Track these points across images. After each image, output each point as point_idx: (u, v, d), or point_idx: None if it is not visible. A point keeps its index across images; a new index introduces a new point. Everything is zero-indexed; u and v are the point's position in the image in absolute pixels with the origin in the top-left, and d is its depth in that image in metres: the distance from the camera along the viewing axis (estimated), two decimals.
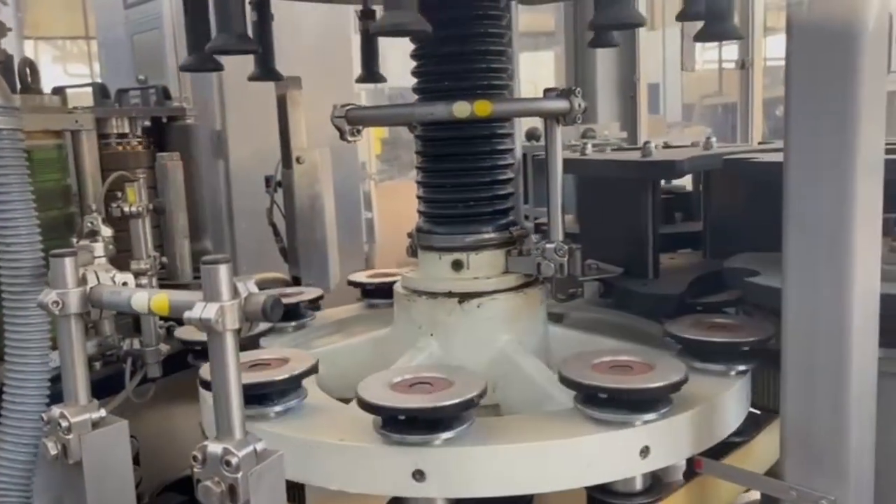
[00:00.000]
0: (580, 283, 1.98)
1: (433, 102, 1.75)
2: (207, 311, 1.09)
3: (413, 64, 1.92)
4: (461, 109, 1.68)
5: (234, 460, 1.09)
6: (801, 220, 1.37)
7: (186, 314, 1.10)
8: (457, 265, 1.90)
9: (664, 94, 12.57)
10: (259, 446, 1.14)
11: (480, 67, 1.83)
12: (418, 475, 1.37)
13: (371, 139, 8.24)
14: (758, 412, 1.81)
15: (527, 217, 3.79)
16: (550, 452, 1.40)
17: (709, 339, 1.65)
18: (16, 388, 1.71)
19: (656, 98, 12.13)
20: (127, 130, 2.59)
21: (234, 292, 1.12)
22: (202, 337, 1.75)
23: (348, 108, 1.79)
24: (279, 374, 1.52)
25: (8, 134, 1.69)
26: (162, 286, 2.35)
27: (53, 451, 1.29)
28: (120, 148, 2.56)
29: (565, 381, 1.46)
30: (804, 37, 1.33)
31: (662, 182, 2.24)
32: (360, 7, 2.31)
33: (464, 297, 1.85)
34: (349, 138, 1.82)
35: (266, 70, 2.14)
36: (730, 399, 1.58)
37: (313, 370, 1.58)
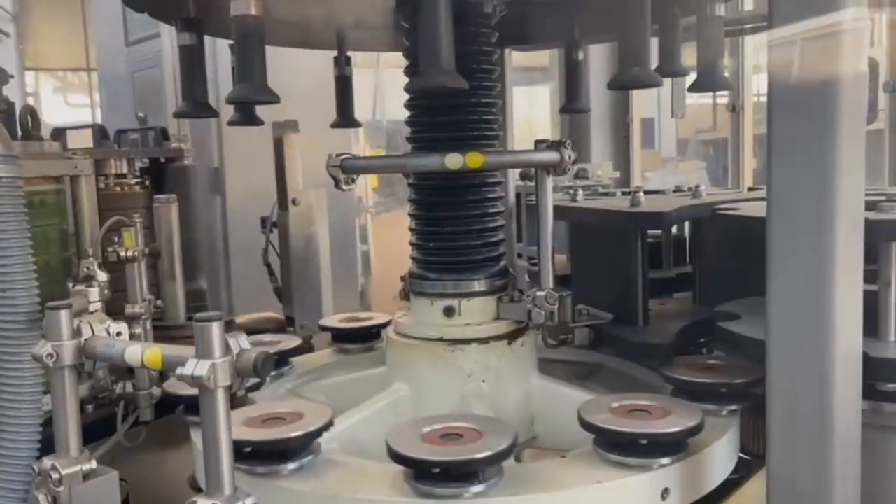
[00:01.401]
0: (571, 329, 2.00)
1: (426, 154, 1.79)
2: (199, 368, 1.11)
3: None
4: (453, 161, 1.72)
5: None
6: (783, 274, 1.39)
7: (178, 370, 1.12)
8: (448, 311, 1.92)
9: (659, 128, 12.71)
10: (248, 501, 1.15)
11: (472, 119, 1.87)
12: None
13: None
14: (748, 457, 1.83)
15: (520, 255, 3.83)
16: (580, 500, 1.41)
17: (700, 380, 1.67)
18: (7, 435, 1.71)
19: (651, 132, 12.27)
20: (125, 171, 2.63)
21: (226, 349, 1.14)
22: (190, 391, 1.76)
23: (343, 157, 1.83)
24: (295, 431, 1.48)
25: (7, 182, 1.72)
26: (156, 329, 2.37)
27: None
28: (118, 189, 2.61)
29: (586, 426, 1.48)
30: (783, 94, 1.37)
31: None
32: (335, 54, 2.37)
33: (455, 343, 1.87)
34: (344, 187, 1.85)
35: (345, 118, 2.19)
36: (729, 439, 1.62)
37: (329, 426, 1.53)
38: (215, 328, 1.12)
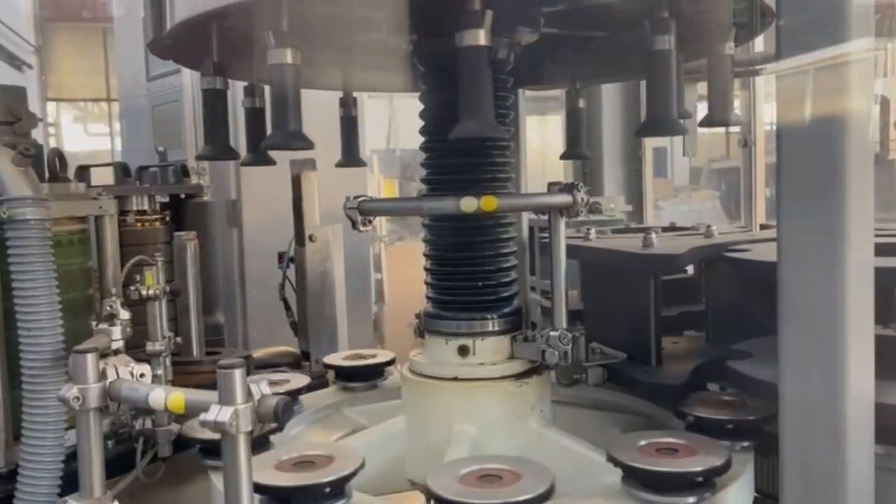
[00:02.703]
0: (584, 369, 2.02)
1: (442, 197, 1.83)
2: (222, 414, 1.14)
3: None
4: (468, 204, 1.76)
5: None
6: (795, 319, 1.41)
7: (202, 416, 1.15)
8: (463, 350, 1.95)
9: (671, 157, 12.75)
10: None
11: (486, 162, 1.91)
12: None
13: None
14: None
15: (533, 289, 3.85)
16: None
17: (716, 416, 1.68)
18: (30, 472, 1.75)
19: (663, 161, 12.30)
20: (146, 207, 2.69)
21: (248, 395, 1.17)
22: (208, 435, 1.78)
23: (361, 199, 1.88)
24: (326, 476, 1.48)
25: (36, 224, 1.78)
26: (175, 364, 2.40)
27: None
28: (139, 224, 2.66)
29: (615, 462, 1.50)
30: (793, 142, 1.40)
31: None
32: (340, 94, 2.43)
33: (470, 382, 1.89)
34: (361, 228, 1.89)
35: (352, 157, 2.27)
36: (748, 474, 1.63)
37: (360, 469, 1.52)
38: (238, 375, 1.16)
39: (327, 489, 1.44)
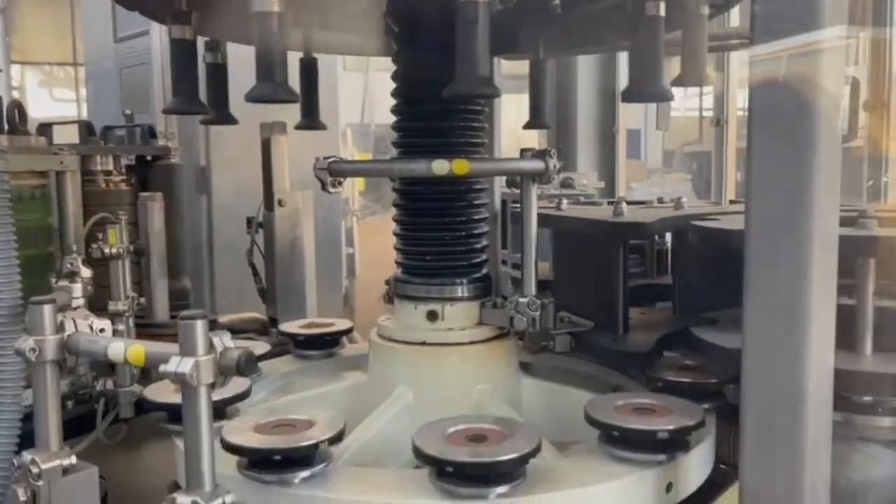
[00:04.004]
0: (552, 336, 2.02)
1: (414, 159, 1.81)
2: (183, 365, 1.11)
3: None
4: (440, 167, 1.74)
5: None
6: (760, 292, 1.42)
7: (162, 367, 1.13)
8: (432, 315, 1.94)
9: (645, 139, 12.82)
10: (228, 499, 1.15)
11: (459, 126, 1.90)
12: None
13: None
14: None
15: (504, 262, 3.85)
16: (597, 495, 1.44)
17: (679, 379, 1.70)
18: None
19: (637, 143, 12.37)
20: (111, 168, 2.63)
21: (210, 347, 1.15)
22: (171, 399, 1.75)
23: (331, 160, 1.85)
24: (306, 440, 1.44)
25: None
26: (139, 326, 2.36)
27: (23, 498, 1.30)
28: (103, 185, 2.60)
29: (593, 422, 1.51)
30: (763, 114, 1.40)
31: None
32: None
33: (438, 347, 1.89)
34: (330, 189, 1.86)
35: (312, 120, 2.25)
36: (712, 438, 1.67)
37: (342, 434, 1.50)
38: (199, 326, 1.13)
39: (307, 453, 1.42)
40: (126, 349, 1.24)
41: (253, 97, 1.64)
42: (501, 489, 1.37)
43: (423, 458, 1.39)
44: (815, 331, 1.38)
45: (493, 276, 2.08)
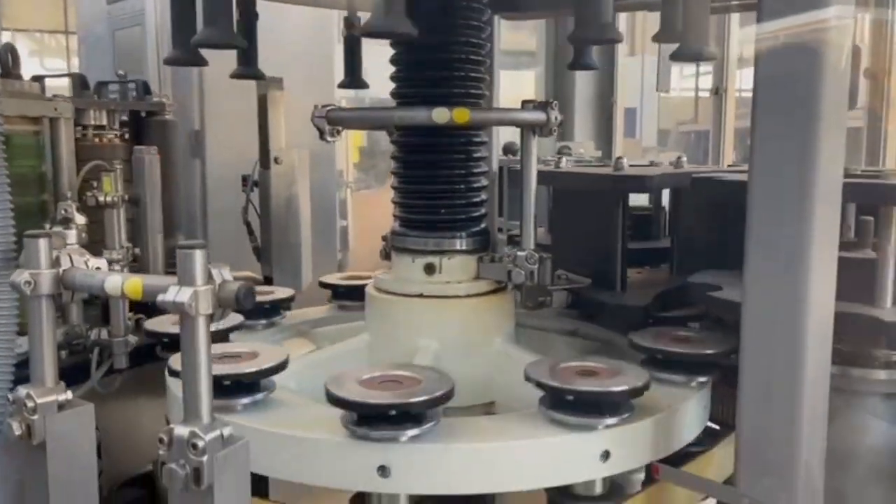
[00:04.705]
0: (549, 291, 2.02)
1: (413, 108, 1.79)
2: (181, 294, 1.10)
3: (393, 69, 1.95)
4: (440, 115, 1.72)
5: (200, 443, 1.10)
6: (762, 239, 1.42)
7: (160, 297, 1.12)
8: (429, 269, 1.93)
9: (641, 118, 12.78)
10: (226, 431, 1.15)
11: (459, 76, 1.87)
12: (382, 471, 1.38)
13: (349, 147, 8.26)
14: (717, 427, 1.86)
15: (500, 230, 3.84)
16: (513, 453, 1.43)
17: (671, 349, 1.69)
18: None
19: (633, 122, 12.34)
20: (105, 123, 2.58)
21: (209, 278, 1.13)
22: (171, 329, 1.76)
23: (329, 108, 1.82)
24: (250, 367, 1.53)
25: None
26: None
27: (18, 431, 1.29)
28: (97, 140, 2.56)
29: (532, 382, 1.49)
30: (770, 66, 1.39)
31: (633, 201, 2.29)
32: (345, 14, 2.35)
33: (435, 299, 1.88)
34: (328, 138, 1.84)
35: (249, 68, 2.16)
36: (690, 408, 1.63)
37: (283, 366, 1.57)
38: (198, 255, 1.12)
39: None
40: (123, 283, 1.22)
41: (199, 42, 1.61)
42: (413, 432, 1.38)
43: (332, 400, 1.40)
44: (816, 275, 1.38)
45: (491, 241, 2.06)
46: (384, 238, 2.27)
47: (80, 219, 1.83)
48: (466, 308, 1.90)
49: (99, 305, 2.21)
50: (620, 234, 1.99)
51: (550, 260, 1.92)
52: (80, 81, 2.69)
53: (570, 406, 1.45)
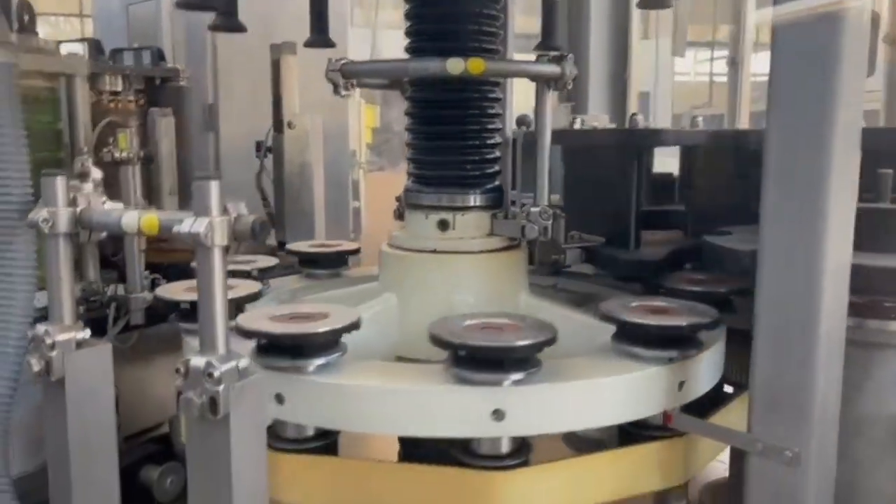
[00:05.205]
0: (563, 249, 2.02)
1: (428, 58, 1.78)
2: (197, 225, 1.11)
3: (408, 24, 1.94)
4: (455, 66, 1.71)
5: (216, 373, 1.11)
6: (779, 183, 1.40)
7: (176, 228, 1.12)
8: (443, 225, 1.93)
9: (654, 102, 12.68)
10: (242, 363, 1.16)
11: (473, 29, 1.86)
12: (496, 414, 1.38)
13: (362, 127, 8.27)
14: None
15: (513, 202, 3.83)
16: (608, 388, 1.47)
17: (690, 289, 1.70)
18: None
19: (646, 106, 12.25)
20: (120, 89, 2.60)
21: (224, 211, 1.14)
22: (185, 297, 1.75)
23: (343, 61, 1.82)
24: (326, 326, 1.46)
25: (2, 68, 1.70)
26: (149, 241, 2.36)
27: (36, 368, 1.30)
28: (112, 105, 2.57)
29: (609, 320, 1.53)
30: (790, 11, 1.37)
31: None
32: None
33: (448, 255, 1.88)
34: (343, 92, 1.84)
35: (231, 21, 2.14)
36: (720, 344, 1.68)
37: (357, 325, 1.50)
38: (213, 187, 1.12)
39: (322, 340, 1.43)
40: (140, 218, 1.23)
41: (183, 3, 1.60)
42: (517, 376, 1.38)
43: (437, 342, 1.40)
44: (833, 224, 1.37)
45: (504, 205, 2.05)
46: (398, 198, 2.27)
47: (97, 173, 1.83)
48: (479, 264, 1.89)
49: (115, 268, 2.23)
50: (635, 192, 1.98)
51: (564, 218, 1.91)
52: (95, 47, 2.70)
53: (646, 341, 1.50)
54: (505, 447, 1.47)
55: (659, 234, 2.28)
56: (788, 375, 1.39)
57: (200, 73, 4.23)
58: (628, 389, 1.48)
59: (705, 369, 1.62)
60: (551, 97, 1.88)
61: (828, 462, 1.41)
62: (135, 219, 1.23)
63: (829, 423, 1.40)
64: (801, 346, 1.38)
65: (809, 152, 1.36)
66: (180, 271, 2.06)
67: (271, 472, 1.36)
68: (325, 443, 1.50)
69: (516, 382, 1.39)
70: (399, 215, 2.23)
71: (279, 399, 1.39)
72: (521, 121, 4.22)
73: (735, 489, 2.22)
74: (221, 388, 1.11)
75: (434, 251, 1.90)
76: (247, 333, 1.40)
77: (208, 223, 1.11)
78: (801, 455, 1.36)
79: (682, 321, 1.54)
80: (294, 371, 1.41)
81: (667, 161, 2.61)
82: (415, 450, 1.51)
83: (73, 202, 1.32)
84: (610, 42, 5.23)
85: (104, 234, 1.46)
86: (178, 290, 1.83)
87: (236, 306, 1.65)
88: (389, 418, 1.40)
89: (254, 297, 1.74)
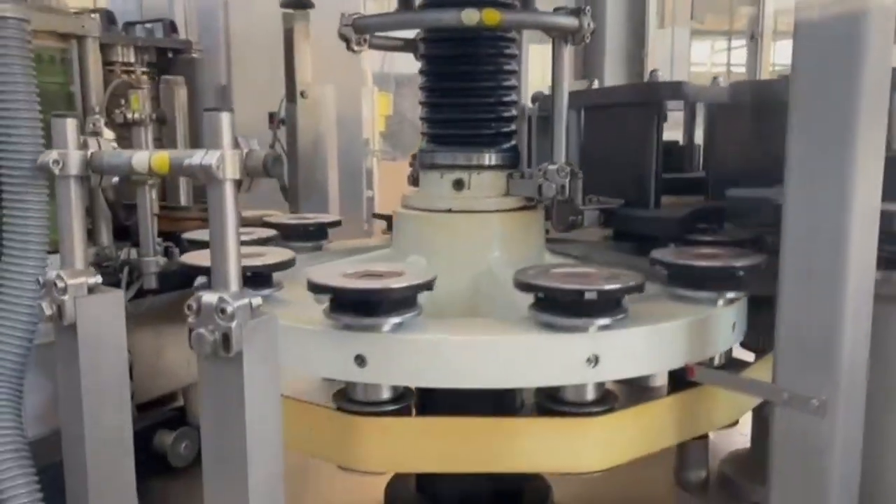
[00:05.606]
0: (580, 210, 1.98)
1: (442, 9, 1.74)
2: (209, 157, 1.09)
3: None
4: (470, 17, 1.68)
5: (228, 308, 1.09)
6: (806, 129, 1.36)
7: (187, 161, 1.10)
8: (458, 184, 1.90)
9: None
10: (255, 301, 1.13)
11: None
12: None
13: (375, 115, 8.25)
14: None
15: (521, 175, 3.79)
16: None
17: (695, 264, 1.63)
18: (12, 283, 1.69)
19: None
20: (132, 60, 2.59)
21: (236, 144, 1.12)
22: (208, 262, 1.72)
23: (355, 16, 1.80)
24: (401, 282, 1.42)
25: (14, 24, 1.68)
26: (162, 208, 2.35)
27: (48, 312, 1.29)
28: (125, 77, 2.56)
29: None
30: None
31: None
32: None
33: (463, 214, 1.85)
34: (355, 48, 1.82)
35: None
36: (718, 319, 1.57)
37: (433, 282, 1.44)
38: (225, 118, 1.10)
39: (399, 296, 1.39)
40: (150, 157, 1.21)
41: None
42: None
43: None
44: (861, 173, 1.32)
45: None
46: (411, 164, 2.25)
47: (109, 133, 1.82)
48: (495, 224, 1.86)
49: (128, 236, 2.22)
50: (655, 150, 1.93)
51: (581, 179, 1.88)
52: (106, 17, 2.69)
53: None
54: (591, 394, 1.47)
55: (678, 199, 2.24)
56: (815, 322, 1.35)
57: (214, 53, 4.22)
58: (701, 330, 1.50)
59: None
60: (569, 52, 1.84)
61: (856, 411, 1.36)
62: (145, 158, 1.21)
63: (858, 371, 1.35)
64: (829, 291, 1.34)
65: (837, 96, 1.32)
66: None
67: (344, 438, 1.39)
68: (404, 405, 1.47)
69: (605, 327, 1.39)
70: (413, 181, 2.21)
71: (360, 361, 1.36)
72: (536, 98, 4.17)
73: (757, 458, 2.19)
74: (234, 324, 1.09)
75: (449, 210, 1.87)
76: (325, 289, 1.36)
77: (220, 155, 1.09)
78: (829, 403, 1.32)
79: (737, 262, 1.54)
80: (374, 330, 1.37)
81: (668, 134, 2.56)
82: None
83: (84, 145, 1.30)
84: (626, 31, 5.17)
85: (115, 180, 1.44)
86: (203, 258, 1.80)
87: (271, 272, 1.62)
88: (489, 371, 1.39)
89: (289, 264, 1.69)
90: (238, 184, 1.12)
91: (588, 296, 1.36)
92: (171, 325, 2.27)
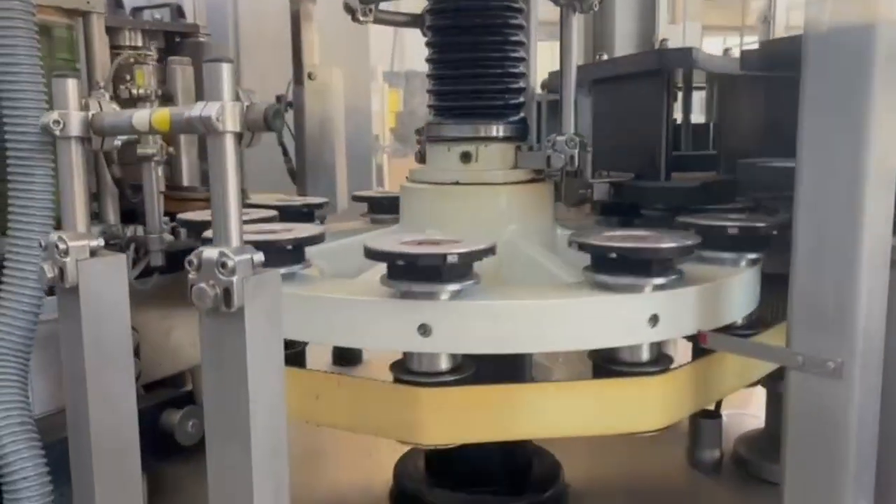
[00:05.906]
0: (590, 184, 1.96)
1: None
2: (208, 109, 1.07)
3: None
4: None
5: (230, 263, 1.07)
6: (819, 91, 1.33)
7: (187, 114, 1.08)
8: (465, 157, 1.88)
9: None
10: (257, 257, 1.11)
11: None
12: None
13: (385, 111, 8.27)
14: None
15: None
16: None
17: (719, 224, 1.61)
18: (18, 256, 1.69)
19: None
20: (140, 44, 2.58)
21: (237, 97, 1.10)
22: (208, 216, 1.70)
23: None
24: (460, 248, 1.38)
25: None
26: (168, 188, 2.34)
27: (50, 274, 1.28)
28: (131, 61, 2.55)
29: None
30: None
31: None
32: None
33: (471, 186, 1.83)
34: (361, 18, 1.80)
35: None
36: (738, 282, 1.56)
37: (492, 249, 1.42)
38: (225, 69, 1.08)
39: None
40: (151, 115, 1.20)
41: None
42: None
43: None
44: (876, 132, 1.29)
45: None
46: (418, 140, 2.22)
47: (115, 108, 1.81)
48: (503, 195, 1.83)
49: (134, 216, 2.21)
50: (665, 121, 1.90)
51: (590, 152, 1.85)
52: (114, 1, 2.69)
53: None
54: (646, 354, 1.47)
55: (689, 175, 2.21)
56: (830, 286, 1.32)
57: (222, 39, 4.22)
58: (745, 289, 1.56)
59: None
60: (577, 20, 1.81)
61: (873, 375, 1.33)
62: (145, 117, 1.19)
63: (874, 335, 1.32)
64: (844, 252, 1.30)
65: (851, 57, 1.29)
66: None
67: (405, 412, 1.37)
68: (464, 375, 1.43)
69: (662, 287, 1.39)
70: (421, 158, 2.19)
71: (423, 330, 1.34)
72: (545, 84, 4.14)
73: (770, 438, 2.15)
74: (235, 278, 1.07)
75: (457, 183, 1.85)
76: (392, 256, 1.34)
77: (220, 107, 1.07)
78: (845, 366, 1.29)
79: (759, 223, 1.57)
80: (435, 297, 1.34)
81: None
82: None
83: (85, 107, 1.29)
84: (637, 27, 5.14)
85: (118, 142, 1.42)
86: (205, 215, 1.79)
87: (300, 246, 1.57)
88: (558, 334, 1.39)
89: (318, 239, 1.66)
90: (239, 137, 1.10)
91: (655, 255, 1.39)
92: (179, 307, 2.25)
